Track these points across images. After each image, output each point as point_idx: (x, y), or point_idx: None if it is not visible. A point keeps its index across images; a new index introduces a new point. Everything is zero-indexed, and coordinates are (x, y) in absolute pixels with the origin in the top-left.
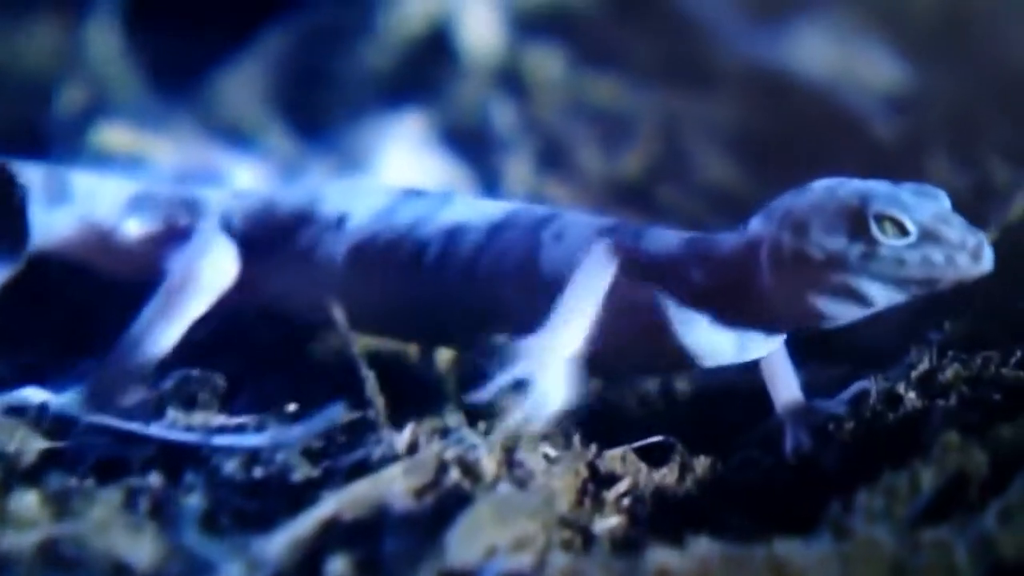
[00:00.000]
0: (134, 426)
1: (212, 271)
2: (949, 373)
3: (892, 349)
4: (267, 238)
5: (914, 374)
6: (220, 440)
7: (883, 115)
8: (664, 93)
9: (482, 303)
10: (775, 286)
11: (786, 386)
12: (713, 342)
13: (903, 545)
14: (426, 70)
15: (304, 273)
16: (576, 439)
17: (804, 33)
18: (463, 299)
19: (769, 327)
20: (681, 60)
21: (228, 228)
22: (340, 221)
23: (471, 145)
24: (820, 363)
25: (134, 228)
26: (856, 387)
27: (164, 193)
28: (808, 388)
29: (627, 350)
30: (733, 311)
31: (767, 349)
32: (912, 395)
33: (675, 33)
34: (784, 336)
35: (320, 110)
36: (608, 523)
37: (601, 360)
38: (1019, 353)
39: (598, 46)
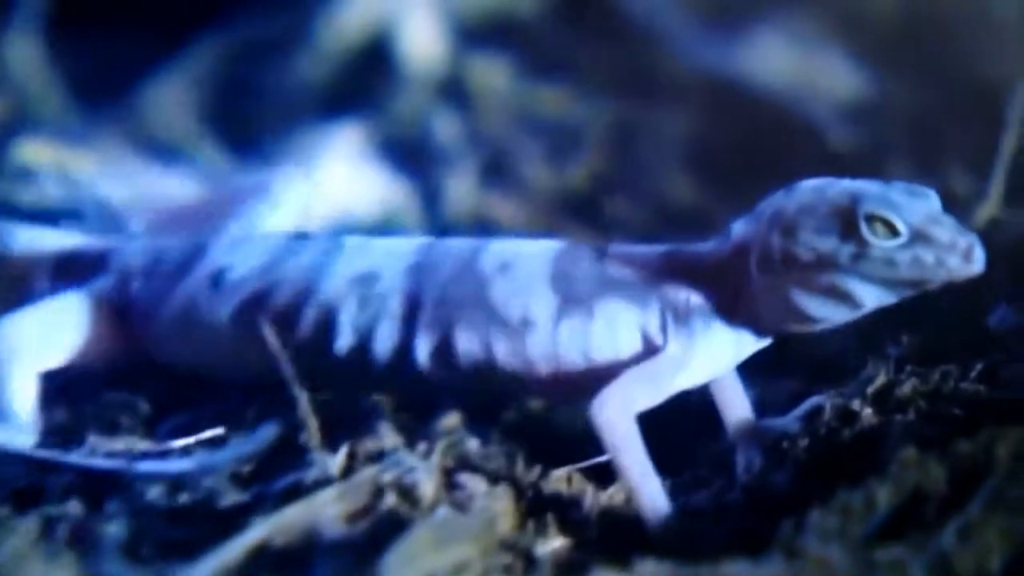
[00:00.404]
0: (52, 454)
1: (49, 331)
2: (907, 388)
3: (848, 363)
4: (154, 295)
5: (870, 389)
6: (143, 466)
7: (842, 124)
8: (614, 103)
9: (418, 368)
10: (764, 289)
11: (736, 404)
12: (709, 352)
13: (857, 565)
14: (365, 81)
15: (192, 334)
16: (520, 459)
17: (760, 40)
18: (395, 371)
19: (758, 331)
20: (631, 69)
21: (124, 283)
22: (218, 276)
23: (412, 158)
24: (772, 378)
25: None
26: (810, 403)
27: (84, 252)
28: (760, 405)
29: (623, 369)
30: (724, 319)
31: (755, 350)
32: (868, 411)
33: (625, 41)
34: (772, 338)
35: (254, 123)
36: (551, 546)
37: (592, 382)
38: (979, 367)
39: (545, 55)
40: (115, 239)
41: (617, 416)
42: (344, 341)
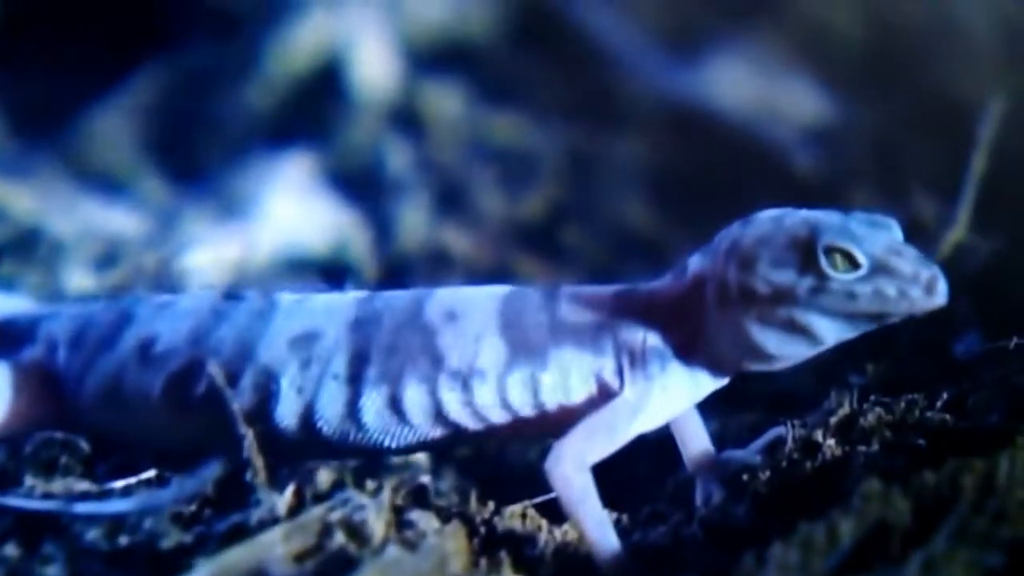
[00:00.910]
0: None
1: None
2: (871, 418)
3: (810, 393)
4: (81, 365)
5: (833, 420)
6: (82, 507)
7: (805, 150)
8: (570, 130)
9: (366, 428)
10: (722, 325)
11: (694, 436)
12: (666, 395)
13: None
14: (314, 109)
15: (121, 407)
16: (473, 495)
17: (721, 65)
18: (341, 434)
19: (717, 370)
20: (588, 94)
21: (51, 352)
22: (146, 346)
23: (363, 188)
24: (732, 409)
25: None
26: (771, 434)
27: (14, 321)
28: (720, 436)
29: (580, 413)
30: (682, 360)
31: (713, 388)
32: (831, 442)
33: (582, 66)
34: (731, 376)
35: (199, 154)
36: None
37: (546, 429)
38: (945, 396)
39: (499, 81)
40: (45, 306)
41: (573, 472)
42: (286, 407)
